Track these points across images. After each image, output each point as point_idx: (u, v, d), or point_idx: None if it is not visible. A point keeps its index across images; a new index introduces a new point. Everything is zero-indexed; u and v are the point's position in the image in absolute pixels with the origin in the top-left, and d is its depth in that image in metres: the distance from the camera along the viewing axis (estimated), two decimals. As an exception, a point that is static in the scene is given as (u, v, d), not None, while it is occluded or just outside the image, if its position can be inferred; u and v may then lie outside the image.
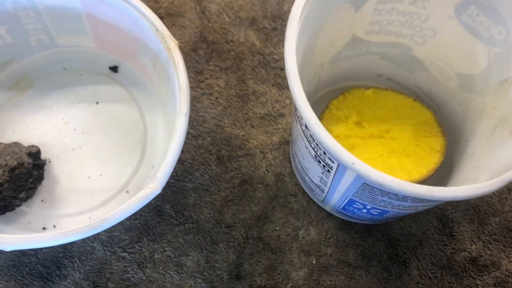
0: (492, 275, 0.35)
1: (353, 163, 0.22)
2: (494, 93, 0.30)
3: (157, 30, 0.31)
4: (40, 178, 0.35)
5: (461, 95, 0.34)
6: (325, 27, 0.31)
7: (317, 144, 0.25)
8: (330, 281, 0.35)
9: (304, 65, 0.32)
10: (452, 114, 0.35)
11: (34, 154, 0.34)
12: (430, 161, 0.33)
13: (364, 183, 0.25)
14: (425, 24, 0.32)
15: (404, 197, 0.24)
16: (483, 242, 0.36)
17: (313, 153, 0.27)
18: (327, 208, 0.36)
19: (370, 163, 0.32)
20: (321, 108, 0.36)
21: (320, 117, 0.35)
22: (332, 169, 0.26)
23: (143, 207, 0.28)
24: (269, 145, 0.39)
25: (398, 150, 0.34)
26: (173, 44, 0.31)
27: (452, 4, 0.30)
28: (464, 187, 0.22)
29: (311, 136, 0.25)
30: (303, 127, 0.26)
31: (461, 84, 0.34)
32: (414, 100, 0.36)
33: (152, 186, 0.28)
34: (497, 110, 0.30)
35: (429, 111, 0.36)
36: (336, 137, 0.33)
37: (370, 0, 0.31)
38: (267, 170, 0.38)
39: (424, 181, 0.33)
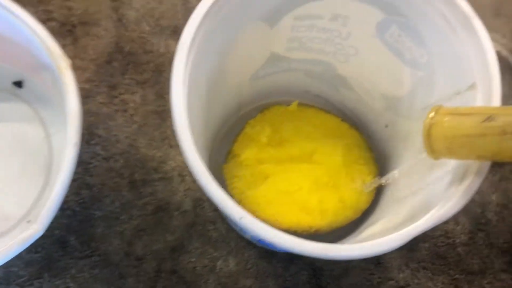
0: (420, 305, 0.34)
1: (241, 218, 0.19)
2: (417, 119, 0.28)
3: (49, 48, 0.28)
4: None
5: (387, 117, 0.32)
6: (238, 45, 0.28)
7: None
8: (249, 315, 0.33)
9: (217, 86, 0.29)
10: (379, 137, 0.33)
11: None
12: (360, 199, 0.30)
13: None
14: (347, 42, 0.30)
15: None
16: (411, 269, 0.35)
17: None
18: (247, 237, 0.33)
19: (286, 199, 0.29)
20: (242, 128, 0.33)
21: (234, 140, 0.32)
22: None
23: (44, 238, 0.25)
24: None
25: (323, 180, 0.29)
26: (63, 64, 0.27)
27: (373, 22, 0.28)
28: (363, 245, 0.20)
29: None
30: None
31: (387, 106, 0.31)
32: (342, 120, 0.34)
33: (34, 228, 0.25)
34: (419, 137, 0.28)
35: (358, 133, 0.33)
36: (245, 161, 0.31)
37: (285, 17, 0.28)
38: (185, 195, 0.35)
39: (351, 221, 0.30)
